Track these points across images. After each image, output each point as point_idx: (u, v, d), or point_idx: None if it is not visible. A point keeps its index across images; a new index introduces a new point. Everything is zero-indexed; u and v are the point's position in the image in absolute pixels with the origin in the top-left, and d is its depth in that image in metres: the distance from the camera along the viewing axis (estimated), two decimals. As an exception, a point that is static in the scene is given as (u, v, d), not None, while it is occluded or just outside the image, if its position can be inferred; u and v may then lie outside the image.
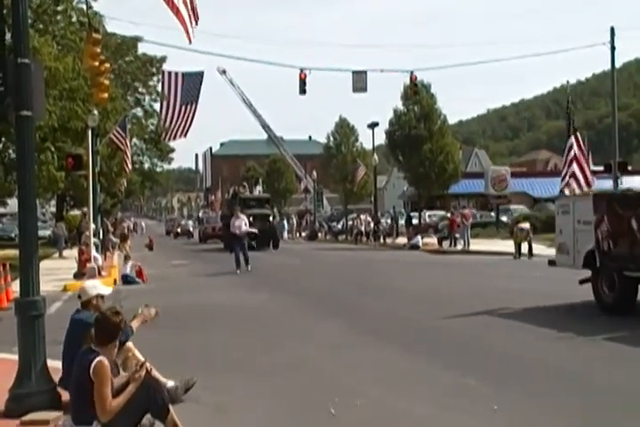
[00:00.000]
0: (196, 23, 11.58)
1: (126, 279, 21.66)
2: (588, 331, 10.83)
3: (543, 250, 30.80)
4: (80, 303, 7.42)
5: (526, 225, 28.94)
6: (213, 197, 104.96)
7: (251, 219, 37.47)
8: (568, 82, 50.55)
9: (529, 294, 15.80)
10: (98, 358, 5.42)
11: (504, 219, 45.03)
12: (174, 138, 24.02)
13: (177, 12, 11.23)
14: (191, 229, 68.03)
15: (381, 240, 44.25)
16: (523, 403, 7.07)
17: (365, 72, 33.56)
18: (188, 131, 23.75)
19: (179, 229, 67.84)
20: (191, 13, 11.36)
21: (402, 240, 41.44)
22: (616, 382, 7.72)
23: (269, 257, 32.62)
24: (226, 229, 41.81)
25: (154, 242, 43.44)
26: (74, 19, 35.75)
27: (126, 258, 23.22)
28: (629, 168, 39.47)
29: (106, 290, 7.61)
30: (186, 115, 23.13)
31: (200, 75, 23.44)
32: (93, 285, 7.65)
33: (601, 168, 40.50)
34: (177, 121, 23.41)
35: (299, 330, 11.78)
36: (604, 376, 8.06)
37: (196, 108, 23.02)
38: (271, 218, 41.51)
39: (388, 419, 6.68)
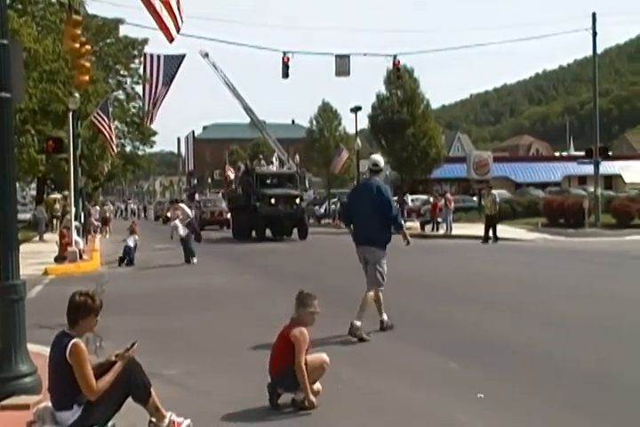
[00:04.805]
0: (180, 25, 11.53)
1: (128, 253, 21.83)
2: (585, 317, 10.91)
3: (523, 234, 31.10)
4: (372, 171, 10.19)
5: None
6: (195, 180, 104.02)
7: (272, 201, 32.34)
8: None
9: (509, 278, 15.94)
10: (72, 341, 5.39)
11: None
12: (153, 120, 23.92)
13: (153, 11, 11.11)
14: None
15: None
16: (506, 386, 7.13)
17: (348, 56, 33.51)
18: (156, 113, 23.65)
19: (168, 214, 62.43)
20: (172, 13, 11.26)
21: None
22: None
23: (259, 242, 31.35)
24: (236, 214, 36.97)
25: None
26: (54, -1, 35.38)
27: (132, 233, 23.14)
28: (610, 153, 39.72)
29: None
30: (164, 97, 22.98)
31: (181, 57, 23.23)
32: (382, 160, 10.20)
33: (582, 153, 40.72)
34: (158, 104, 23.25)
35: (283, 313, 11.73)
36: (605, 367, 8.12)
37: (167, 90, 22.82)
38: (298, 200, 33.62)
39: (371, 402, 6.70)
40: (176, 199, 27.00)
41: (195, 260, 21.93)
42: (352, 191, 10.49)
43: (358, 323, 9.46)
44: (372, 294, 9.80)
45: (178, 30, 11.50)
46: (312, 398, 6.40)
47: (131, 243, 22.31)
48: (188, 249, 22.07)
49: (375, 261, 9.92)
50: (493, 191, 30.84)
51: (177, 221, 22.33)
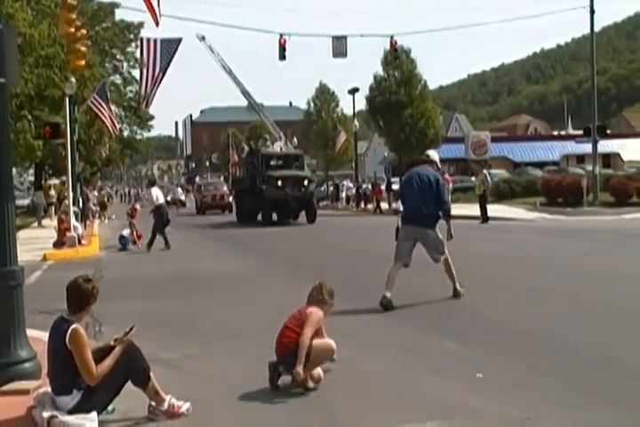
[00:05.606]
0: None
1: (121, 241, 21.91)
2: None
3: (522, 213, 31.12)
4: (424, 162, 11.04)
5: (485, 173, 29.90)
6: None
7: (279, 183, 30.93)
8: None
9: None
10: (72, 327, 5.42)
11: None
12: (150, 104, 23.96)
13: None
14: (182, 197, 59.34)
15: (362, 206, 44.31)
16: (501, 364, 7.16)
17: (345, 37, 33.43)
18: (153, 98, 23.71)
19: (168, 198, 60.17)
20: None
21: (384, 205, 41.29)
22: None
23: (264, 226, 30.66)
24: (241, 197, 35.54)
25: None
26: (48, -17, 35.11)
27: (132, 217, 23.12)
28: (608, 132, 39.68)
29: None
30: (161, 81, 22.94)
31: (178, 41, 23.15)
32: (436, 152, 11.07)
33: (580, 132, 40.67)
34: (155, 88, 23.21)
35: (283, 296, 11.76)
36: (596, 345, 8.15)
37: (164, 74, 22.77)
38: (306, 182, 32.20)
39: (370, 383, 6.72)
40: (151, 182, 25.65)
41: (150, 247, 21.23)
42: (406, 180, 11.17)
43: (458, 286, 10.84)
44: (450, 261, 10.85)
45: (160, 15, 11.72)
46: (301, 371, 6.33)
47: (124, 233, 22.34)
48: (153, 233, 21.52)
49: (431, 239, 10.79)
50: (484, 171, 30.53)
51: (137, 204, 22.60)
